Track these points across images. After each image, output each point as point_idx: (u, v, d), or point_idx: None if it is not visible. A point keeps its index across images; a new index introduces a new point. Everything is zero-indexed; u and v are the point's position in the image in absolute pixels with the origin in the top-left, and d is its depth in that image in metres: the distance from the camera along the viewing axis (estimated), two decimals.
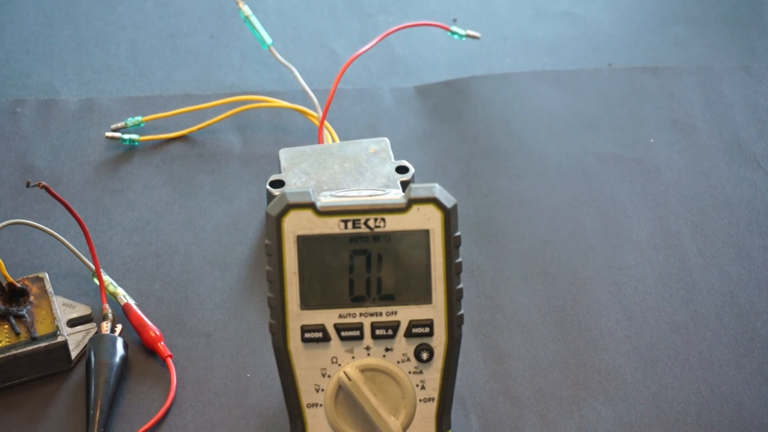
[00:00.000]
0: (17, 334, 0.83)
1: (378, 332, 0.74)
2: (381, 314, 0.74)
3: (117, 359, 0.82)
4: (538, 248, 0.92)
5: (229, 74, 1.06)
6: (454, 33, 1.03)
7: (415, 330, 0.74)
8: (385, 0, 1.13)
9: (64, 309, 0.86)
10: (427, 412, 0.76)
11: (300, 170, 0.90)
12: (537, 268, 0.90)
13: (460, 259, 0.74)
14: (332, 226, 0.73)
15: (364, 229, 0.73)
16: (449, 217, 0.73)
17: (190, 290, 0.89)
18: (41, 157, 0.98)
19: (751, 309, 0.88)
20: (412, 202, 0.73)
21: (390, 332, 0.74)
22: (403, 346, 0.75)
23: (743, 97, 1.03)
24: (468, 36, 1.03)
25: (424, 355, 0.75)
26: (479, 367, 0.84)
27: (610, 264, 0.91)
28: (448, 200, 0.73)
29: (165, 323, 0.87)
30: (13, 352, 0.82)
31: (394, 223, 0.73)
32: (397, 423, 0.75)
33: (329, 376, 0.75)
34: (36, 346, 0.82)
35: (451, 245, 0.73)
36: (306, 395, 0.75)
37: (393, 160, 0.90)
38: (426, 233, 0.73)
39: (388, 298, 0.74)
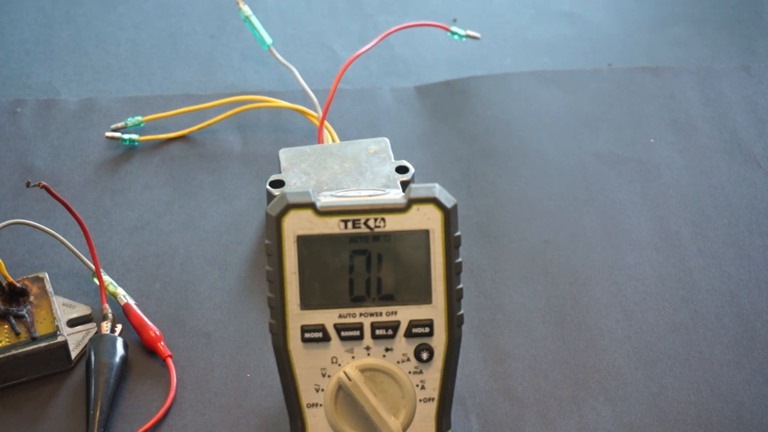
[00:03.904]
0: (17, 334, 0.83)
1: (378, 332, 0.74)
2: (381, 314, 0.74)
3: (117, 359, 0.82)
4: (538, 248, 0.92)
5: (229, 74, 1.06)
6: (454, 33, 1.03)
7: (415, 330, 0.74)
8: (385, 0, 1.13)
9: (64, 309, 0.86)
10: (427, 412, 0.76)
11: (300, 170, 0.90)
12: (537, 268, 0.90)
13: (460, 259, 0.74)
14: (332, 226, 0.73)
15: (364, 229, 0.73)
16: (449, 217, 0.73)
17: (190, 290, 0.89)
18: (41, 157, 0.98)
19: (751, 309, 0.88)
20: (412, 202, 0.73)
21: (390, 332, 0.74)
22: (403, 346, 0.75)
23: (743, 97, 1.03)
24: (468, 36, 1.03)
25: (424, 355, 0.75)
26: (479, 367, 0.84)
27: (610, 264, 0.91)
28: (448, 200, 0.73)
29: (165, 323, 0.87)
30: (13, 352, 0.82)
31: (394, 223, 0.73)
32: (397, 423, 0.75)
33: (329, 376, 0.75)
34: (36, 346, 0.82)
35: (451, 245, 0.73)
36: (306, 395, 0.75)
37: (393, 160, 0.90)
38: (426, 233, 0.73)
39: (388, 298, 0.74)
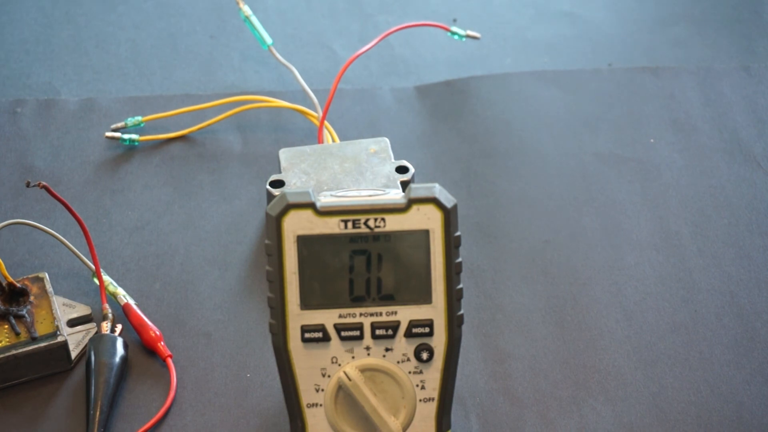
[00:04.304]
0: (17, 334, 0.83)
1: (378, 332, 0.74)
2: (381, 314, 0.74)
3: (117, 359, 0.82)
4: (538, 248, 0.92)
5: (229, 74, 1.06)
6: (454, 33, 1.03)
7: (415, 330, 0.74)
8: (385, 0, 1.13)
9: (64, 309, 0.86)
10: (427, 412, 0.76)
11: (300, 170, 0.90)
12: (537, 268, 0.90)
13: (460, 259, 0.74)
14: (332, 226, 0.73)
15: (364, 229, 0.73)
16: (449, 217, 0.73)
17: (190, 290, 0.89)
18: (41, 157, 0.98)
19: (751, 309, 0.88)
20: (412, 202, 0.73)
21: (390, 332, 0.74)
22: (403, 346, 0.75)
23: (743, 97, 1.03)
24: (468, 36, 1.03)
25: (424, 355, 0.75)
26: (479, 367, 0.84)
27: (610, 264, 0.91)
28: (448, 200, 0.73)
29: (165, 323, 0.87)
30: (13, 352, 0.82)
31: (394, 223, 0.73)
32: (397, 423, 0.75)
33: (329, 376, 0.75)
34: (36, 346, 0.82)
35: (451, 245, 0.73)
36: (306, 395, 0.75)
37: (393, 160, 0.91)
38: (426, 233, 0.73)
39: (388, 298, 0.74)
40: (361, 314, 0.74)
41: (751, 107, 1.02)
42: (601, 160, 0.98)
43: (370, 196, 0.74)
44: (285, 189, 0.87)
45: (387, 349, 0.75)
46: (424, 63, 1.07)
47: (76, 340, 0.85)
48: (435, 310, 0.74)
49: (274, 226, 0.73)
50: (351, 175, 0.89)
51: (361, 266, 0.73)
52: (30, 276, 0.86)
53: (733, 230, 0.93)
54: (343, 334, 0.74)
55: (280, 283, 0.73)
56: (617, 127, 1.01)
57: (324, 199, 0.73)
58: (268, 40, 1.02)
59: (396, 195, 0.74)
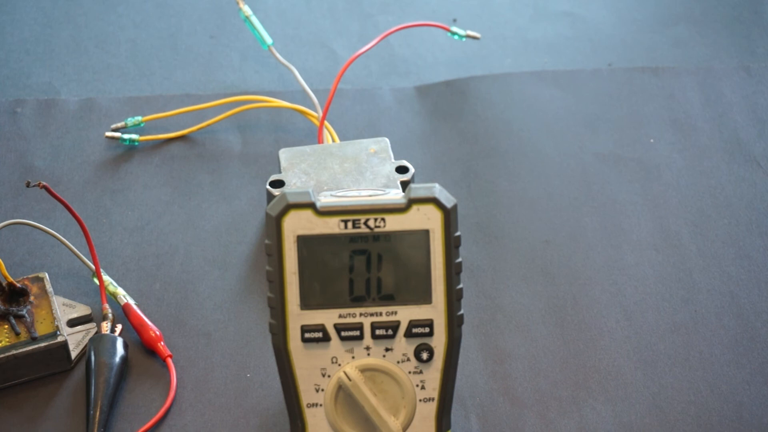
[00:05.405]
0: (17, 334, 0.83)
1: (378, 332, 0.74)
2: (381, 314, 0.74)
3: (117, 359, 0.83)
4: (538, 248, 0.92)
5: (229, 74, 1.06)
6: (454, 33, 1.03)
7: (415, 330, 0.74)
8: (385, 0, 1.13)
9: (64, 309, 0.86)
10: (427, 412, 0.76)
11: (300, 170, 0.90)
12: (537, 268, 0.90)
13: (460, 259, 0.74)
14: (332, 226, 0.73)
15: (364, 229, 0.73)
16: (449, 217, 0.73)
17: (190, 290, 0.89)
18: (41, 157, 0.98)
19: (751, 309, 0.88)
20: (412, 202, 0.73)
21: (390, 332, 0.74)
22: (403, 346, 0.75)
23: (743, 97, 1.03)
24: (468, 36, 1.03)
25: (424, 355, 0.75)
26: (479, 367, 0.84)
27: (610, 264, 0.91)
28: (448, 200, 0.73)
29: (165, 323, 0.87)
30: (13, 352, 0.82)
31: (394, 223, 0.73)
32: (397, 423, 0.75)
33: (329, 376, 0.75)
34: (36, 346, 0.82)
35: (451, 245, 0.73)
36: (306, 395, 0.75)
37: (393, 160, 0.91)
38: (426, 233, 0.73)
39: (388, 298, 0.74)
40: (361, 314, 0.74)
41: (751, 107, 1.02)
42: (601, 160, 0.98)
43: (370, 196, 0.74)
44: (285, 189, 0.87)
45: (387, 349, 0.75)
46: (424, 63, 1.07)
47: (76, 340, 0.85)
48: (435, 310, 0.74)
49: (274, 226, 0.73)
50: (351, 175, 0.89)
51: (361, 266, 0.73)
52: (30, 276, 0.86)
53: (733, 230, 0.93)
54: (343, 334, 0.74)
55: (280, 283, 0.73)
56: (617, 127, 1.01)
57: (324, 199, 0.73)
58: (268, 40, 1.02)
59: (396, 195, 0.74)
